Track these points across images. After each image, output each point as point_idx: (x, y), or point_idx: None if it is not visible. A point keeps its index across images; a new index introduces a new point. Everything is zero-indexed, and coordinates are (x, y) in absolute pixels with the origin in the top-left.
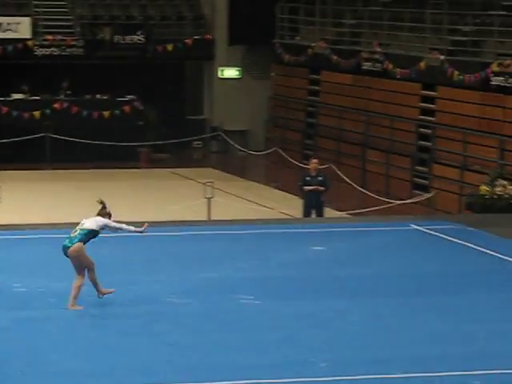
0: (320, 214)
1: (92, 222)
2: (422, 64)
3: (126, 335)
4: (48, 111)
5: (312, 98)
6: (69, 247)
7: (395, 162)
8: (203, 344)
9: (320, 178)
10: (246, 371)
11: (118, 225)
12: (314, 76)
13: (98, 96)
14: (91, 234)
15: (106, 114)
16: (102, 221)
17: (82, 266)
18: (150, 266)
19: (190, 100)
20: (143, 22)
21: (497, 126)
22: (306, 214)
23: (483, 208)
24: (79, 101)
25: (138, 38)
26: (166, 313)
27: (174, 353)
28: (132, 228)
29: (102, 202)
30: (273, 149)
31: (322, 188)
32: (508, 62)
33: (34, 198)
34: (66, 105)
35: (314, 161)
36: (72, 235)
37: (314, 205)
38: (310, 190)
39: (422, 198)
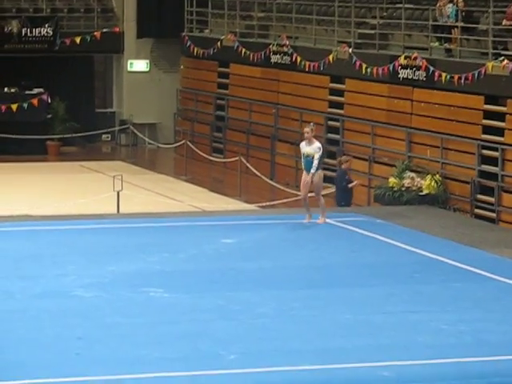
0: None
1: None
2: (331, 57)
3: (33, 329)
4: None
5: (221, 90)
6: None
7: None
8: (112, 337)
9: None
10: (156, 364)
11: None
12: (223, 69)
13: (6, 89)
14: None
15: (14, 107)
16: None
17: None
18: (59, 259)
19: (99, 93)
20: (51, 14)
21: (405, 118)
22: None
23: (391, 200)
24: None
25: (46, 30)
26: (75, 306)
27: (82, 347)
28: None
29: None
30: (182, 142)
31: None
32: (415, 54)
33: None
34: None
35: (348, 158)
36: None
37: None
38: (353, 186)
39: (332, 191)
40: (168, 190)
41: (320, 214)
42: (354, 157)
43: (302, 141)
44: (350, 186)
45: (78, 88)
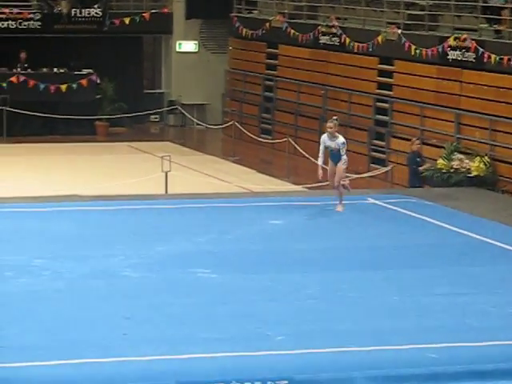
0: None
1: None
2: (380, 38)
3: (82, 309)
4: (5, 85)
5: (270, 71)
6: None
7: (353, 136)
8: (159, 318)
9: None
10: (203, 345)
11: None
12: (272, 50)
13: (55, 69)
14: None
15: (63, 87)
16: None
17: None
18: (107, 239)
19: (148, 74)
20: None
21: (454, 100)
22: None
23: (440, 182)
24: (36, 74)
25: (96, 11)
26: (122, 286)
27: (130, 327)
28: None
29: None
30: (230, 123)
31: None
32: (464, 36)
33: None
34: (22, 78)
35: (415, 139)
36: None
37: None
38: (425, 169)
39: (380, 172)
40: (216, 170)
41: (338, 201)
42: (402, 138)
43: (324, 133)
44: (419, 169)
45: (127, 69)
